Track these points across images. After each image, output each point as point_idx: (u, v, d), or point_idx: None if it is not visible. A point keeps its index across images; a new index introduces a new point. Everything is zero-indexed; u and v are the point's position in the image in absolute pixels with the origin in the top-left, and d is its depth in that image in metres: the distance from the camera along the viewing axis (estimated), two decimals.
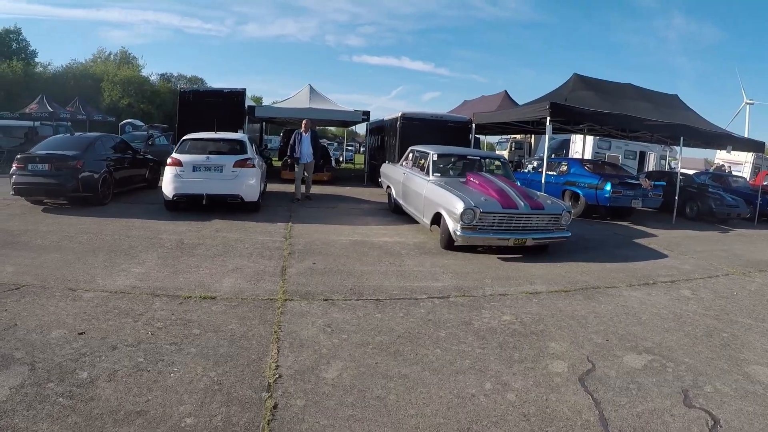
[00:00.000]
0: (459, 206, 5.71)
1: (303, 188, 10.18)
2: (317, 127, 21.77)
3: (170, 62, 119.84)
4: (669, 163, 23.02)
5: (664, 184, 9.94)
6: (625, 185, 9.44)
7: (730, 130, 13.96)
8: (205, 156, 7.71)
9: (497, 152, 32.04)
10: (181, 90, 13.84)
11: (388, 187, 9.25)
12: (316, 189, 12.66)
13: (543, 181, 9.03)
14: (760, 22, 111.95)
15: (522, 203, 5.89)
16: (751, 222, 11.58)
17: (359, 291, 4.48)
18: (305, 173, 10.10)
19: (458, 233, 5.71)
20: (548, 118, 8.73)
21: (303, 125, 10.05)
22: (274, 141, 28.57)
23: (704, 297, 5.02)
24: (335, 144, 36.20)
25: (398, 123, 12.82)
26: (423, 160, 7.64)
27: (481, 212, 5.68)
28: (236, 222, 7.29)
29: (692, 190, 11.48)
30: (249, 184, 7.75)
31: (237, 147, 8.11)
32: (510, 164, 11.51)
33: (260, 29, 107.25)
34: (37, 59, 38.88)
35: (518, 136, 32.71)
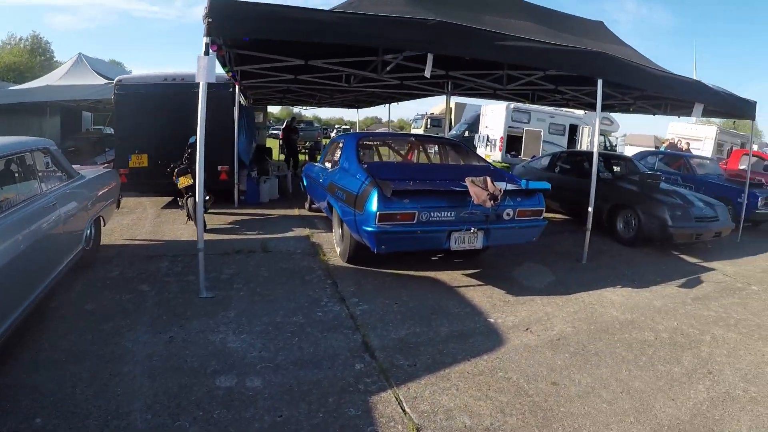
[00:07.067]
0: None
1: None
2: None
3: (118, 50, 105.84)
4: (607, 139, 17.78)
5: (548, 187, 4.11)
6: (403, 195, 3.58)
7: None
8: None
9: (412, 131, 21.03)
10: None
11: None
12: None
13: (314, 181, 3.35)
14: (710, 7, 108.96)
15: None
16: (734, 236, 6.46)
17: None
18: None
19: None
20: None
21: None
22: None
23: None
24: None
25: (112, 96, 6.95)
26: None
27: None
28: None
29: (628, 189, 6.20)
30: None
31: None
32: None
33: None
34: None
35: (435, 111, 22.88)
